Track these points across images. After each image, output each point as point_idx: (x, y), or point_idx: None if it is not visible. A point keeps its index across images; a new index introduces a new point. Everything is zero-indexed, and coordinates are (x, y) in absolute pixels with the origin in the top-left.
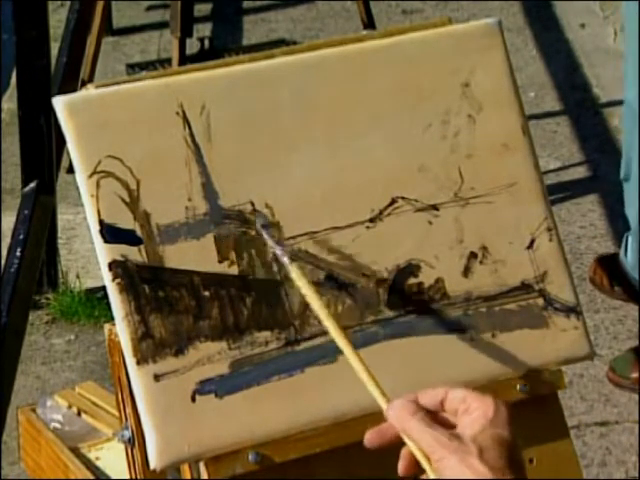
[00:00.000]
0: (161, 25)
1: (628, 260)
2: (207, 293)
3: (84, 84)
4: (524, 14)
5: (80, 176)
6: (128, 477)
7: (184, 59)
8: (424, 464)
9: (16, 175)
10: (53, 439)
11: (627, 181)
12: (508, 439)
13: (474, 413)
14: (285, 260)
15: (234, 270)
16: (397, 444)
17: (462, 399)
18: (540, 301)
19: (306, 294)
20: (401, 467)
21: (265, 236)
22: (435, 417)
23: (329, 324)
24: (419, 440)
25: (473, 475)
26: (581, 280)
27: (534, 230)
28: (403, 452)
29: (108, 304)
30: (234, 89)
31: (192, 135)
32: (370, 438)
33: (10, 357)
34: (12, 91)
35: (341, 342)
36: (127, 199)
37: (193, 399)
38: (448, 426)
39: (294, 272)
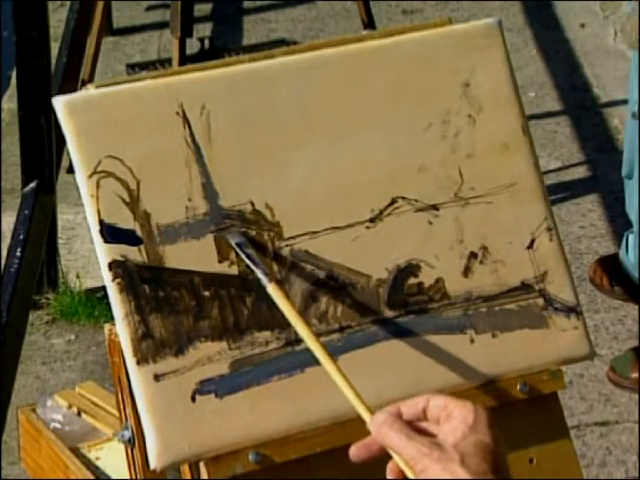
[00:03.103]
0: (161, 25)
1: (629, 259)
2: (207, 293)
3: (84, 84)
4: (524, 14)
5: (80, 176)
6: (128, 477)
7: (184, 59)
8: (409, 475)
9: (16, 175)
10: (53, 439)
11: (630, 179)
12: (490, 444)
13: (455, 420)
14: (262, 278)
15: (234, 270)
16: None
17: (443, 406)
18: (540, 301)
19: (285, 312)
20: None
21: (242, 254)
22: (417, 427)
23: (311, 343)
24: (401, 452)
25: None
26: (581, 280)
27: (534, 230)
28: (390, 465)
29: (108, 304)
30: (234, 89)
31: (192, 135)
32: (356, 452)
33: (10, 357)
34: (12, 91)
35: (324, 360)
36: (127, 199)
37: (193, 399)
38: (431, 435)
39: (272, 291)
